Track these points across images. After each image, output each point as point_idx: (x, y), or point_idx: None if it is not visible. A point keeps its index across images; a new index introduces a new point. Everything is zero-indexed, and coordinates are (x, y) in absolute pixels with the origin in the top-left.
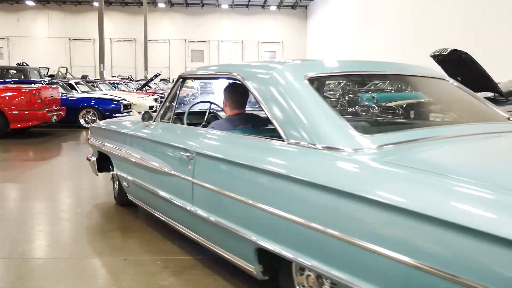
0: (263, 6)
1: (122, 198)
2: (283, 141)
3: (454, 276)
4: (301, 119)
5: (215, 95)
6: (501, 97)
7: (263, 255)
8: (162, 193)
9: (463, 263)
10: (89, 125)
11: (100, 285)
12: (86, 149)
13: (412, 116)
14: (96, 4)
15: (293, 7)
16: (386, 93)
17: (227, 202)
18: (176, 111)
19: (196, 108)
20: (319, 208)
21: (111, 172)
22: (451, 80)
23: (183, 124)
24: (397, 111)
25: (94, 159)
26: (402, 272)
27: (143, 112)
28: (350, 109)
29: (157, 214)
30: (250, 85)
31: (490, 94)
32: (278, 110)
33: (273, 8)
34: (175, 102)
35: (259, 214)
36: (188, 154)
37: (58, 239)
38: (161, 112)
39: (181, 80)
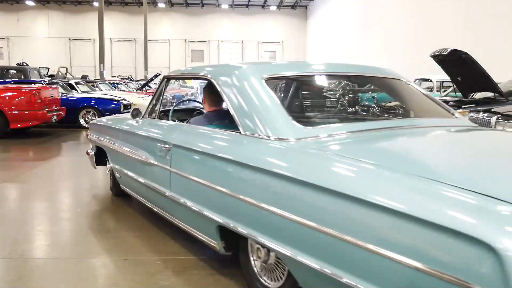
0: (263, 6)
1: (116, 189)
2: (240, 133)
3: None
4: (254, 114)
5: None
6: (501, 97)
7: (224, 232)
8: (148, 182)
9: (356, 229)
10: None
11: (100, 285)
12: (86, 149)
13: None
14: (96, 4)
15: (293, 7)
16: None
17: (195, 186)
18: (164, 109)
19: (185, 106)
20: (263, 189)
21: (107, 165)
22: (404, 79)
23: (168, 120)
24: (397, 111)
25: (92, 153)
26: (328, 240)
27: (132, 109)
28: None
29: (144, 201)
30: (217, 83)
31: (490, 94)
32: (237, 106)
33: (273, 8)
34: (160, 100)
35: (219, 195)
36: (166, 146)
37: (58, 239)
38: (149, 109)
39: (165, 80)
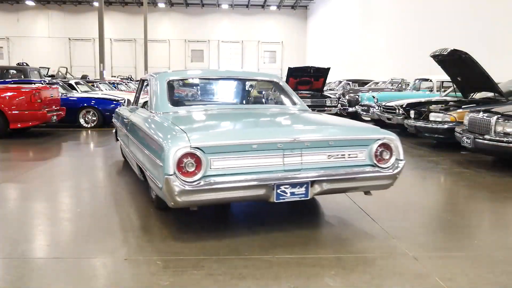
0: (263, 6)
1: (124, 157)
2: (148, 110)
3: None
4: (152, 99)
5: (215, 94)
6: (501, 97)
7: (139, 167)
8: (124, 144)
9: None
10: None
11: (100, 285)
12: (86, 149)
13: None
14: (96, 4)
15: (293, 7)
16: (386, 92)
17: (131, 141)
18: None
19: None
20: (139, 136)
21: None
22: (276, 80)
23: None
24: (397, 111)
25: (113, 131)
26: (149, 159)
27: (127, 100)
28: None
29: (127, 159)
30: (148, 83)
31: (490, 94)
32: (150, 94)
33: (273, 8)
34: (139, 95)
35: (136, 147)
36: (127, 120)
37: (58, 239)
38: (134, 100)
39: (141, 80)
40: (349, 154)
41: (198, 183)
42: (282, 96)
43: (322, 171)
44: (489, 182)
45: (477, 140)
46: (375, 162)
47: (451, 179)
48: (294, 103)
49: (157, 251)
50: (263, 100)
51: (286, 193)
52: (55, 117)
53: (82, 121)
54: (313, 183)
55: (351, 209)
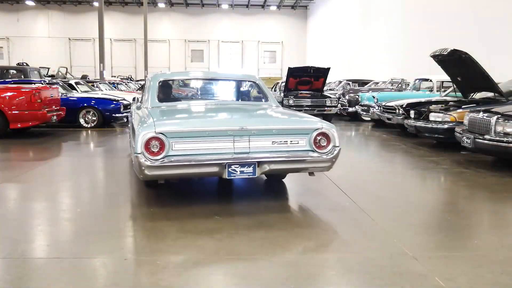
0: (263, 6)
1: None
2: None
3: None
4: (144, 96)
5: (199, 92)
6: (501, 97)
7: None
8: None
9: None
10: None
11: (100, 285)
12: (86, 149)
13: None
14: (96, 4)
15: (293, 7)
16: (386, 92)
17: (132, 130)
18: None
19: None
20: (131, 124)
21: None
22: (253, 80)
23: None
24: (397, 111)
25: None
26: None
27: (136, 98)
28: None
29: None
30: (146, 82)
31: (490, 94)
32: (143, 92)
33: (273, 8)
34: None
35: (130, 131)
36: (130, 111)
37: (58, 239)
38: (141, 97)
39: (146, 79)
40: (291, 141)
41: (162, 161)
42: (258, 94)
43: (267, 154)
44: (489, 182)
45: (477, 140)
46: (315, 148)
47: (451, 179)
48: (266, 100)
49: (157, 251)
50: (242, 97)
51: (236, 171)
52: (55, 117)
53: (82, 121)
54: (259, 164)
55: (352, 209)
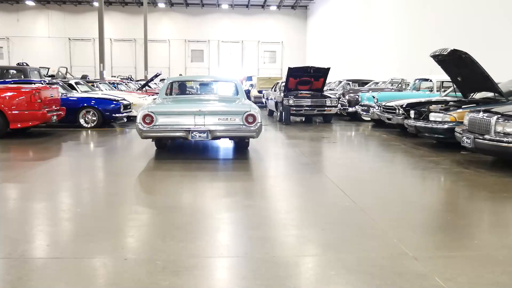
0: (263, 6)
1: None
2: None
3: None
4: (160, 92)
5: (196, 90)
6: (501, 97)
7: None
8: None
9: None
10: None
11: (100, 285)
12: (86, 149)
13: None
14: (96, 4)
15: (293, 7)
16: (386, 92)
17: None
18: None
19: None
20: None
21: None
22: (233, 81)
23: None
24: (397, 111)
25: None
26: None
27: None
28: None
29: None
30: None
31: (490, 94)
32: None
33: (273, 8)
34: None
35: None
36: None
37: (58, 239)
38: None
39: (168, 82)
40: (230, 118)
41: (151, 128)
42: (235, 91)
43: (215, 127)
44: (489, 182)
45: (477, 140)
46: (245, 123)
47: (451, 179)
48: (237, 94)
49: (157, 251)
50: (222, 93)
51: (196, 136)
52: (55, 117)
53: (82, 121)
54: (210, 131)
55: (351, 209)
